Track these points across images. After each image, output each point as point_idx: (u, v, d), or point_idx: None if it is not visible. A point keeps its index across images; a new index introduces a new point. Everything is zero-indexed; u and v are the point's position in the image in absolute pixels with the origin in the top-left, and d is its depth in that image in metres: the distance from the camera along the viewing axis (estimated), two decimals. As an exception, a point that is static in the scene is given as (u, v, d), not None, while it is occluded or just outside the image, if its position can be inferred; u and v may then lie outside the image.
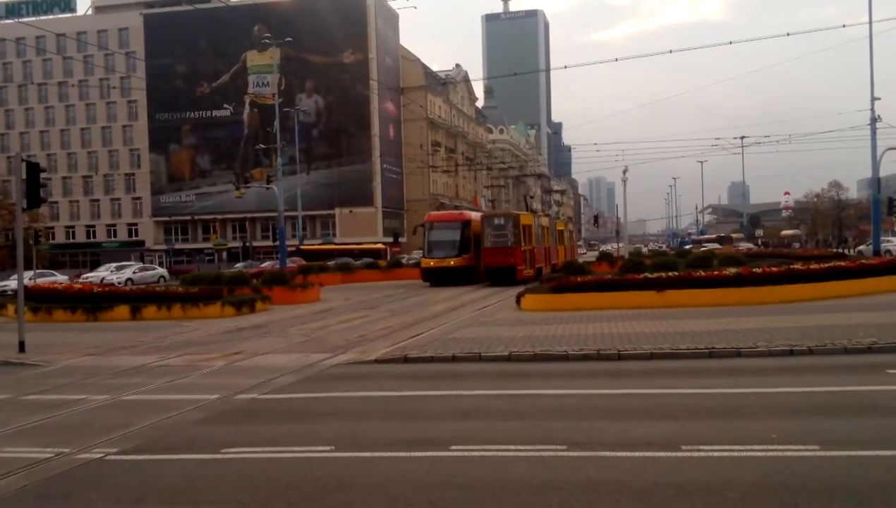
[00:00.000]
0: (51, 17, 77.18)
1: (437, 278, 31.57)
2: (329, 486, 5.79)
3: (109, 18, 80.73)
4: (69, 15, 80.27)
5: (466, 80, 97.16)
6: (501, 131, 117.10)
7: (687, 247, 61.26)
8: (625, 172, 42.42)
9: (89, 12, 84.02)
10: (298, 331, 17.09)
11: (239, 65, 73.08)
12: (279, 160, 42.52)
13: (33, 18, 74.19)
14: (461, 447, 6.67)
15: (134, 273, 40.44)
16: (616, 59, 50.06)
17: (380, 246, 59.42)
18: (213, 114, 72.83)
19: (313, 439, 7.24)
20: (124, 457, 6.98)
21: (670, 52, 42.42)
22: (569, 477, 5.77)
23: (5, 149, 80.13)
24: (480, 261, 31.90)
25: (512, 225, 30.28)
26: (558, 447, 6.51)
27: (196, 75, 73.66)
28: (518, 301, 19.53)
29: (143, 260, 66.96)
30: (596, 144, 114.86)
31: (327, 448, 6.88)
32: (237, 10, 68.94)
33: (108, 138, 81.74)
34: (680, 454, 6.22)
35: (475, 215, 34.50)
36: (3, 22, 74.32)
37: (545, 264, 34.13)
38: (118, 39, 79.35)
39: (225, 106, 69.60)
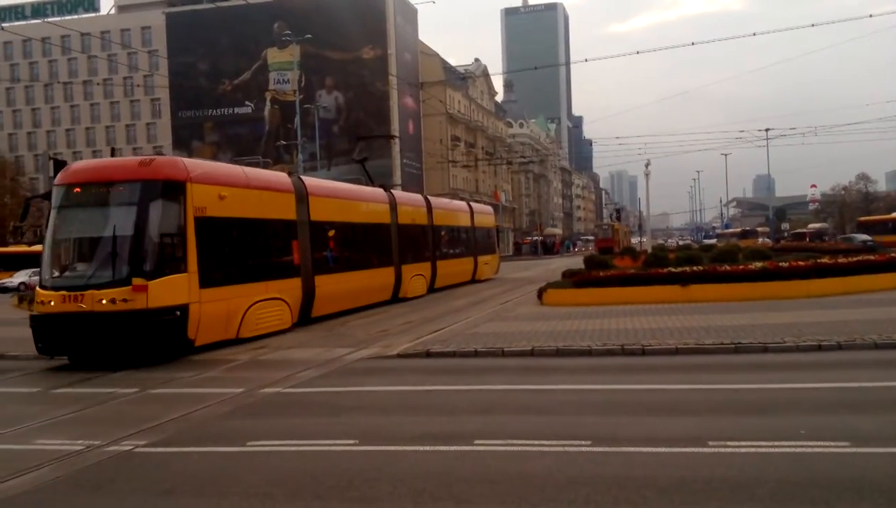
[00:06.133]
0: (75, 16, 78.26)
1: (65, 341, 12.56)
2: (355, 479, 5.81)
3: (132, 17, 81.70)
4: (93, 14, 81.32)
5: (486, 75, 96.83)
6: (521, 125, 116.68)
7: (711, 240, 60.94)
8: (647, 166, 41.80)
9: (113, 12, 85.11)
10: (320, 326, 17.16)
11: (260, 62, 73.45)
12: (300, 156, 42.77)
13: (58, 18, 75.27)
14: (485, 441, 6.66)
15: (29, 277, 37.25)
16: (637, 52, 49.71)
17: None
18: (235, 112, 73.33)
19: (338, 432, 7.27)
20: (153, 450, 7.08)
21: (692, 43, 42.21)
22: (594, 473, 5.73)
23: (32, 148, 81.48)
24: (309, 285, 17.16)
25: (612, 228, 66.18)
26: (583, 442, 6.47)
27: (218, 73, 74.16)
28: (540, 295, 19.46)
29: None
30: (618, 138, 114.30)
31: (352, 441, 6.90)
32: (257, 7, 69.16)
33: (133, 136, 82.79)
34: (707, 450, 6.14)
35: (204, 167, 14.61)
36: (29, 22, 75.36)
37: (621, 247, 50.25)
38: (141, 38, 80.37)
39: (246, 103, 70.04)
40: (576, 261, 34.36)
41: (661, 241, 75.85)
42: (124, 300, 12.08)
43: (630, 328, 13.36)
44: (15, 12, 77.06)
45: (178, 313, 12.73)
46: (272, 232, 16.23)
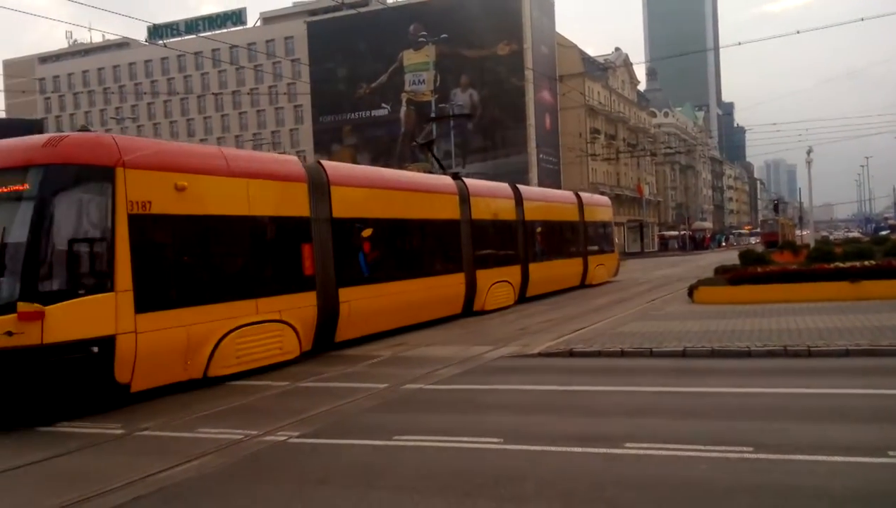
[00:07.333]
0: (224, 30, 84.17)
1: None
2: (500, 477, 5.76)
3: (276, 28, 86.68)
4: (241, 28, 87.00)
5: (627, 64, 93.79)
6: (666, 115, 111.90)
7: (884, 232, 55.83)
8: (809, 153, 38.69)
9: (258, 24, 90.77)
10: (456, 324, 17.24)
11: (396, 64, 75.49)
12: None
13: (209, 33, 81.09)
14: (636, 444, 6.38)
15: None
16: (798, 32, 45.52)
17: None
18: (372, 114, 75.93)
19: (481, 430, 7.25)
20: (305, 440, 7.37)
21: (861, 20, 37.54)
22: (757, 481, 5.34)
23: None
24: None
25: (778, 222, 65.14)
26: (744, 448, 6.04)
27: (356, 77, 77.06)
28: (691, 293, 18.54)
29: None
30: (775, 124, 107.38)
31: (496, 440, 6.84)
32: (393, 11, 71.21)
33: (278, 141, 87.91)
34: (887, 460, 5.57)
35: (151, 147, 10.55)
36: (183, 38, 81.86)
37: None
38: (284, 47, 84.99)
39: (383, 105, 72.35)
40: (729, 257, 32.35)
41: (825, 234, 70.30)
42: (8, 333, 8.51)
43: (793, 328, 12.36)
44: (170, 29, 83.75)
45: (97, 348, 9.01)
46: (269, 233, 12.30)
